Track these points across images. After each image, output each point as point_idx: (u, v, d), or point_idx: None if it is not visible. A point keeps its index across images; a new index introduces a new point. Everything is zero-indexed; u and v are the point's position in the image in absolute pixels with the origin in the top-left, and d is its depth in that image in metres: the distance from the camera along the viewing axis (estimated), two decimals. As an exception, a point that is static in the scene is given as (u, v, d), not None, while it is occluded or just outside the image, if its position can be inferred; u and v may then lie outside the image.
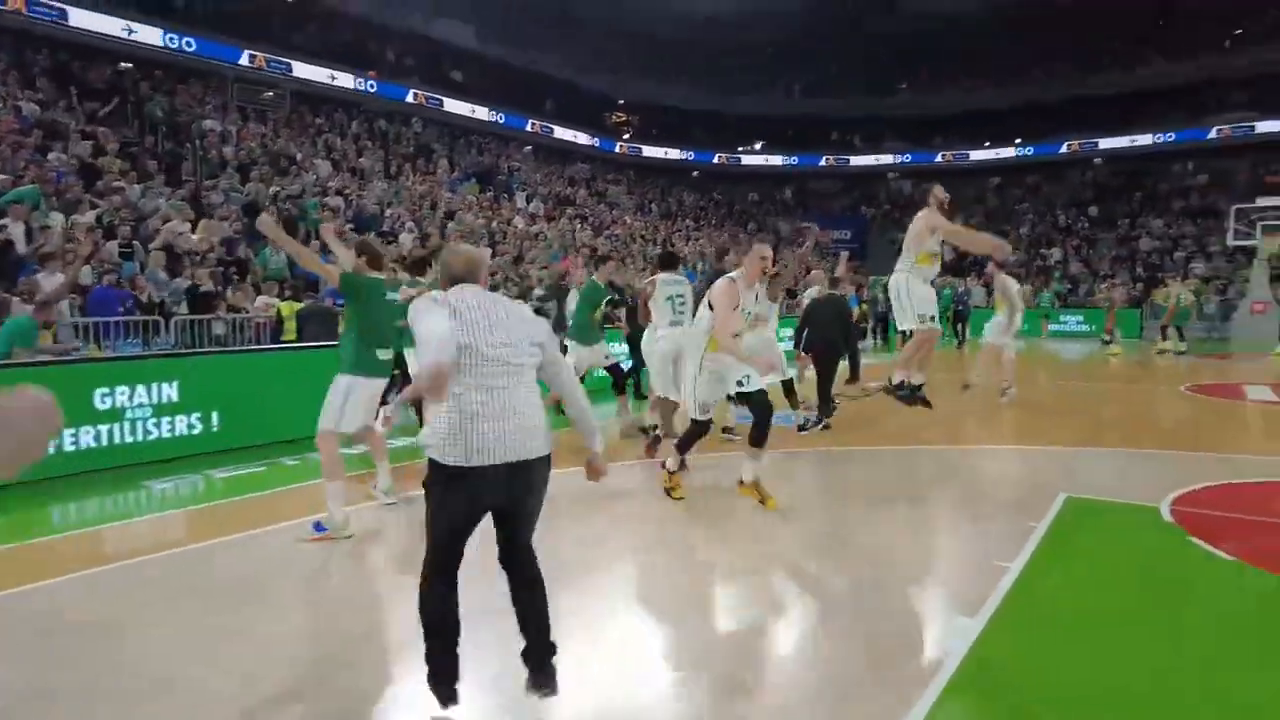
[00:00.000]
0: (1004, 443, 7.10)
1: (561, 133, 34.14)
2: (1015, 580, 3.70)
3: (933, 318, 6.19)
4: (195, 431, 6.99)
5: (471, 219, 18.96)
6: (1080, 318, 23.60)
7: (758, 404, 4.91)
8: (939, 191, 6.95)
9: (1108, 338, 17.10)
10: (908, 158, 38.11)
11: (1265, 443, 7.43)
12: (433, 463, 2.53)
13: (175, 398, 6.85)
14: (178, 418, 6.86)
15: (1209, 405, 9.63)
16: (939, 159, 37.27)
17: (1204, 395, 10.32)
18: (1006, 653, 3.07)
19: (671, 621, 3.51)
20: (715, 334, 4.80)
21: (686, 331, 6.57)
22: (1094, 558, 4.17)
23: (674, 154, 38.40)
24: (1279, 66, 30.04)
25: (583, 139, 35.10)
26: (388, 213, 17.34)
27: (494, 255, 16.41)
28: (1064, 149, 34.72)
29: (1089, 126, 34.16)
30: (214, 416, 7.11)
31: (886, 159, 38.49)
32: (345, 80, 26.25)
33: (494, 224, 19.27)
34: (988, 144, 36.53)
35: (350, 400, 4.60)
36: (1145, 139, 32.96)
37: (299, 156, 18.95)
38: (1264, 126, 30.18)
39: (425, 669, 2.63)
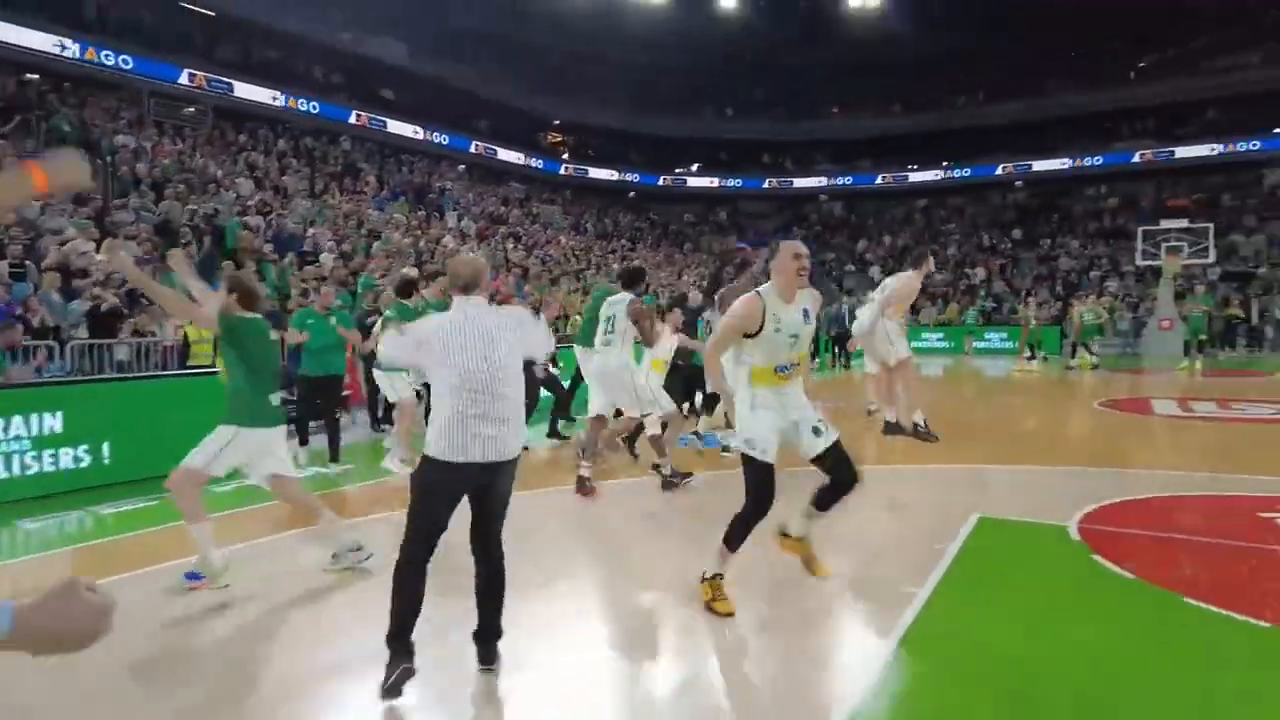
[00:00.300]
0: (920, 462, 7.13)
1: (496, 152, 34.06)
2: (923, 606, 3.65)
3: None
4: (83, 465, 6.54)
5: (399, 238, 18.56)
6: (1004, 335, 24.36)
7: (838, 467, 3.75)
8: (931, 264, 7.24)
9: (1029, 354, 17.65)
10: (849, 179, 38.85)
11: (1169, 456, 7.65)
12: (425, 457, 2.97)
13: (59, 429, 6.40)
14: (61, 450, 6.41)
15: (1119, 420, 9.93)
16: (880, 180, 38.13)
17: (1115, 410, 10.65)
18: (911, 683, 3.00)
19: (570, 646, 3.35)
20: (707, 351, 3.90)
21: (614, 353, 6.34)
22: (1002, 580, 4.15)
23: (610, 175, 38.54)
24: (1180, 97, 31.96)
25: (518, 158, 35.02)
26: (310, 232, 16.84)
27: (421, 274, 16.06)
28: (1000, 170, 35.80)
29: (1008, 150, 35.55)
30: (104, 448, 6.67)
31: (820, 181, 39.28)
32: (287, 101, 26.07)
33: (422, 243, 18.90)
34: (913, 166, 37.61)
35: (230, 448, 4.26)
36: (1065, 162, 34.39)
37: (219, 174, 18.30)
38: (1183, 152, 31.82)
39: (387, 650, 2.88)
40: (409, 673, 2.86)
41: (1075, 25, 34.94)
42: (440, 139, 31.54)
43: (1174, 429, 9.25)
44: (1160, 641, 3.34)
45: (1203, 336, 16.49)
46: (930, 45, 38.06)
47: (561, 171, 37.15)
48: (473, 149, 32.97)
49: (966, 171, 36.40)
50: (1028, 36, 36.07)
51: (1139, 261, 23.06)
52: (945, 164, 36.96)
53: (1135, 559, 4.18)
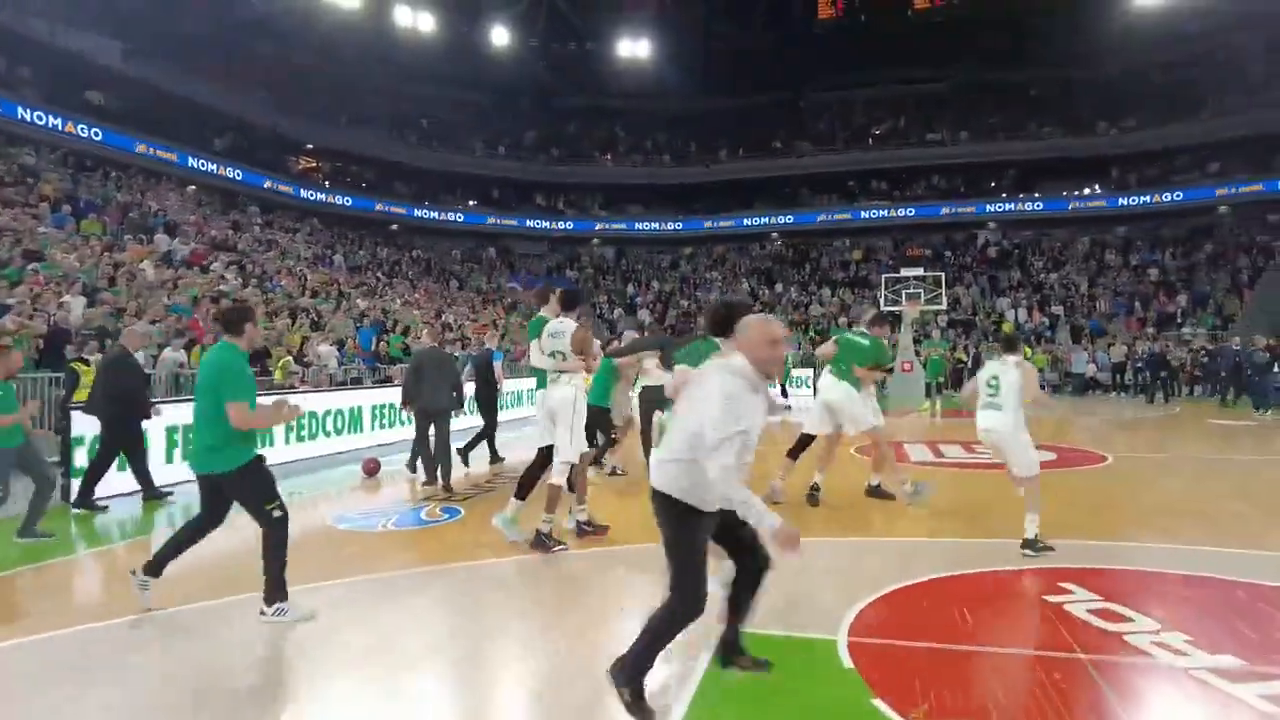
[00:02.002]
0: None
1: (232, 172, 30.28)
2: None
3: None
4: None
5: (73, 261, 15.01)
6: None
7: None
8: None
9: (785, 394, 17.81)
10: (650, 224, 38.86)
11: (934, 516, 6.99)
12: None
13: None
14: None
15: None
16: (679, 226, 38.54)
17: (870, 458, 10.22)
18: None
19: None
20: None
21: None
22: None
23: (370, 204, 35.71)
24: (909, 163, 35.49)
25: (259, 181, 31.39)
26: (-68, 248, 13.03)
27: (93, 305, 12.89)
28: (757, 222, 37.31)
29: (764, 204, 37.53)
30: None
31: (591, 224, 39.00)
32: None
33: (103, 266, 15.45)
34: (680, 215, 38.51)
35: None
36: (815, 216, 36.77)
37: None
38: (914, 211, 35.04)
39: None
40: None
41: (822, 95, 38.21)
42: (159, 152, 27.44)
43: (931, 479, 8.77)
44: None
45: (941, 378, 17.35)
46: (695, 102, 39.71)
47: (313, 198, 33.82)
48: (204, 166, 29.08)
49: (728, 222, 37.75)
50: (780, 101, 38.82)
51: (882, 307, 24.49)
52: (709, 214, 38.15)
53: (922, 697, 3.07)
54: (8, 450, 5.71)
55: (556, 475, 5.51)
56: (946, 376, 17.08)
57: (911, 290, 21.73)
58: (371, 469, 8.54)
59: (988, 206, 34.63)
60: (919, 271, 23.90)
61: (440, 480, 7.78)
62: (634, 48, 37.24)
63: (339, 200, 34.86)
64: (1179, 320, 27.04)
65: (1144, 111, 32.64)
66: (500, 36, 36.65)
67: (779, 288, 34.25)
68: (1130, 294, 29.37)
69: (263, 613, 4.03)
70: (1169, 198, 32.00)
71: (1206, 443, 12.29)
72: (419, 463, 8.32)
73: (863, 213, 35.96)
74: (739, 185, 37.49)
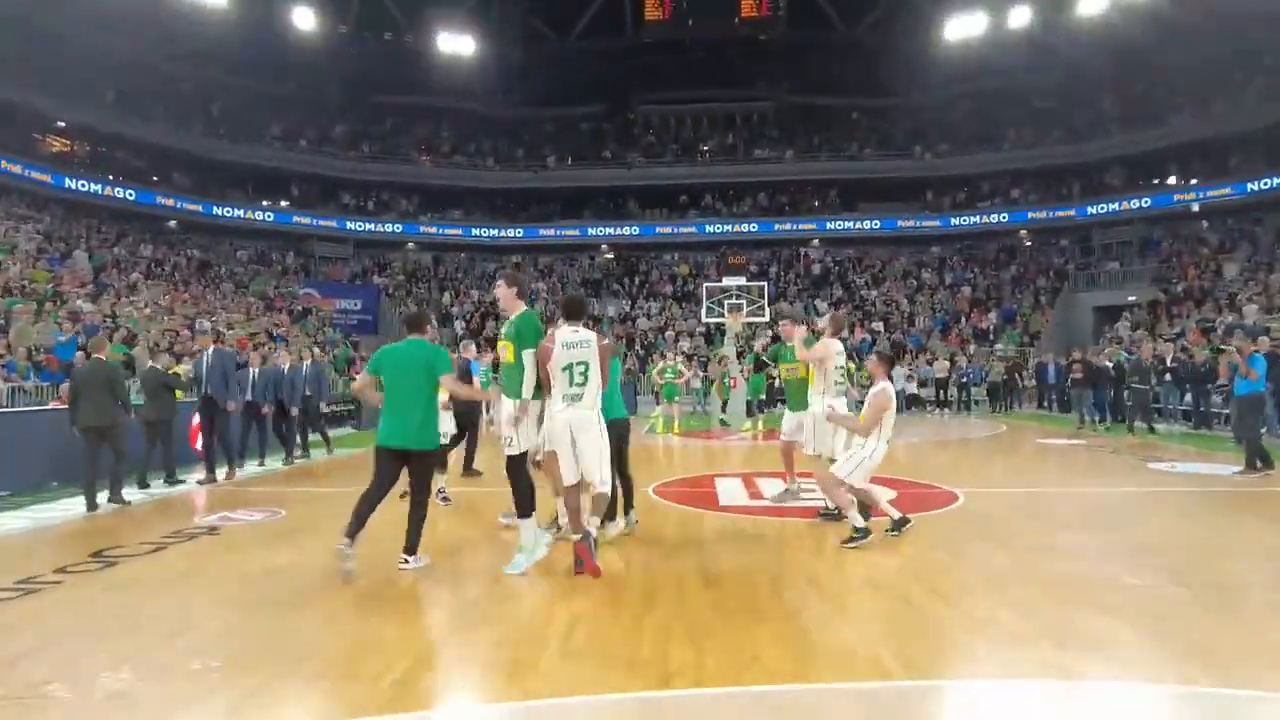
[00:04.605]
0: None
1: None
2: None
3: None
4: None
5: None
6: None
7: None
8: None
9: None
10: (472, 230, 35.93)
11: (740, 626, 4.95)
12: None
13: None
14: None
15: (677, 522, 7.18)
16: (503, 233, 36.01)
17: (672, 502, 8.16)
18: None
19: None
20: None
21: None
22: None
23: (140, 196, 30.64)
24: (737, 179, 35.05)
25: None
26: None
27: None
28: (640, 232, 35.72)
29: (595, 214, 35.92)
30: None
31: (409, 227, 35.69)
32: None
33: None
34: (505, 221, 36.21)
35: None
36: (644, 229, 35.52)
37: None
38: (742, 226, 34.51)
39: None
40: None
41: (651, 108, 37.29)
42: None
43: (741, 541, 6.37)
44: None
45: (762, 396, 15.92)
46: (524, 107, 37.64)
47: (61, 184, 28.50)
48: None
49: (555, 231, 35.78)
50: (610, 111, 37.60)
51: (704, 319, 23.18)
52: (536, 222, 36.03)
53: None
54: None
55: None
56: (768, 395, 15.71)
57: (734, 301, 20.47)
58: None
59: (812, 223, 34.73)
60: (741, 280, 22.75)
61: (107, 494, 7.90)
62: (456, 44, 34.48)
63: (95, 188, 29.61)
64: (991, 336, 27.72)
65: (955, 139, 33.86)
66: (305, 20, 32.65)
67: (610, 308, 32.46)
68: (946, 311, 29.94)
69: None
70: (977, 220, 33.25)
71: (1061, 472, 11.00)
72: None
73: (691, 226, 35.10)
74: (568, 194, 35.77)
